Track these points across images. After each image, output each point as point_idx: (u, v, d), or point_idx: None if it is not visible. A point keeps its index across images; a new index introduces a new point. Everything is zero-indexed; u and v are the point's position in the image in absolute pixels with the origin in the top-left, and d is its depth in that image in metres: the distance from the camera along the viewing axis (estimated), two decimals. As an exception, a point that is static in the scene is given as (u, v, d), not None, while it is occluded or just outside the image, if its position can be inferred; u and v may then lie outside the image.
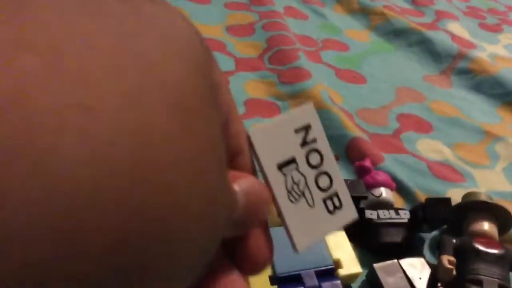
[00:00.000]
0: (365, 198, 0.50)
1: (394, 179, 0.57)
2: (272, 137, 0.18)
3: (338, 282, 0.45)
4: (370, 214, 0.52)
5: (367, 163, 0.56)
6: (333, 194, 0.19)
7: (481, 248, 0.48)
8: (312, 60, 0.83)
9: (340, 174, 0.20)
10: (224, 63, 0.79)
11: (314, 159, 0.19)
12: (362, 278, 0.49)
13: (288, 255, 0.45)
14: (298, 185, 0.18)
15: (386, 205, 0.53)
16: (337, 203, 0.19)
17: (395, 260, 0.48)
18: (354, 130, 0.64)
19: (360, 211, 0.51)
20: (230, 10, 0.98)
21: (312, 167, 0.19)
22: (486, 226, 0.51)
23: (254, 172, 0.18)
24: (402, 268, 0.47)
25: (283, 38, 0.86)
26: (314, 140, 0.19)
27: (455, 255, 0.48)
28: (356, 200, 0.49)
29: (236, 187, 0.15)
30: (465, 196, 0.54)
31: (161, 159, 0.10)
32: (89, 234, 0.09)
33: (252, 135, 0.17)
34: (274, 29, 0.89)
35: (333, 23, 1.01)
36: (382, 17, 1.03)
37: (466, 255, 0.48)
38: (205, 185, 0.12)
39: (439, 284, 0.46)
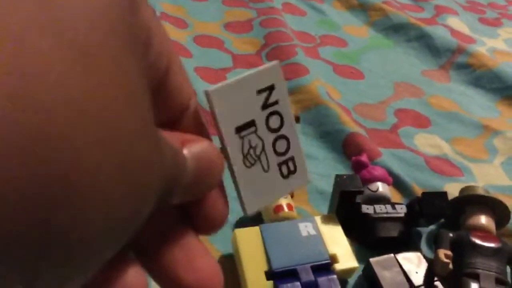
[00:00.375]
0: (361, 192, 0.50)
1: (391, 174, 0.57)
2: (232, 97, 0.17)
3: (334, 277, 0.45)
4: (367, 209, 0.52)
5: (364, 158, 0.56)
6: (289, 159, 0.19)
7: (478, 242, 0.48)
8: (310, 56, 0.83)
9: (298, 138, 0.19)
10: (222, 60, 0.79)
11: (274, 122, 0.18)
12: (358, 273, 0.48)
13: (284, 250, 0.46)
14: (255, 150, 0.18)
15: (382, 199, 0.53)
16: (291, 168, 0.19)
17: (392, 255, 0.48)
18: (351, 125, 0.64)
19: (357, 206, 0.51)
20: (228, 7, 0.98)
21: (271, 130, 0.18)
22: (483, 220, 0.51)
23: (204, 131, 0.17)
24: (398, 262, 0.47)
25: (281, 34, 0.85)
26: (276, 102, 0.18)
27: (452, 249, 0.48)
28: (353, 195, 0.49)
29: (186, 151, 0.15)
30: (463, 190, 0.54)
31: (46, 102, 0.09)
32: None
33: (211, 95, 0.16)
34: (272, 26, 0.89)
35: (331, 19, 1.01)
36: (381, 13, 1.02)
37: (463, 249, 0.48)
38: (116, 137, 0.10)
39: (435, 278, 0.46)
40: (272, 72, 0.18)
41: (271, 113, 0.18)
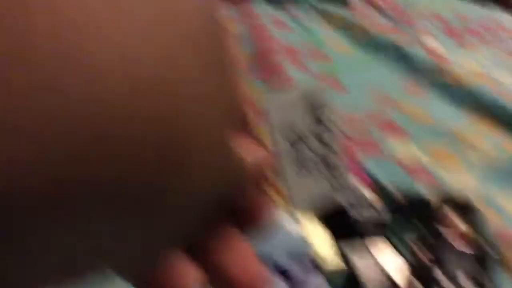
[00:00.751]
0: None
1: (373, 179, 0.61)
2: (287, 113, 0.18)
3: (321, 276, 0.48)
4: (352, 213, 0.54)
5: (346, 159, 0.59)
6: (338, 175, 0.20)
7: (455, 244, 0.51)
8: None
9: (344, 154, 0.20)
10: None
11: (326, 137, 0.19)
12: (340, 268, 0.51)
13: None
14: (306, 161, 0.18)
15: (367, 204, 0.56)
16: (340, 183, 0.20)
17: (361, 239, 0.50)
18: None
19: (342, 210, 0.54)
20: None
21: (323, 145, 0.19)
22: (459, 224, 0.54)
23: (257, 140, 0.17)
24: (377, 259, 0.50)
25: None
26: (327, 119, 0.19)
27: (429, 250, 0.51)
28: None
29: (248, 157, 0.15)
30: (440, 196, 0.58)
31: (181, 91, 0.10)
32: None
33: (269, 111, 0.17)
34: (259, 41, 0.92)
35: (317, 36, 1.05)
36: (365, 33, 1.07)
37: (440, 252, 0.51)
38: (217, 130, 0.12)
39: (414, 279, 0.49)
40: (322, 93, 0.19)
41: (323, 129, 0.19)
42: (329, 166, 0.19)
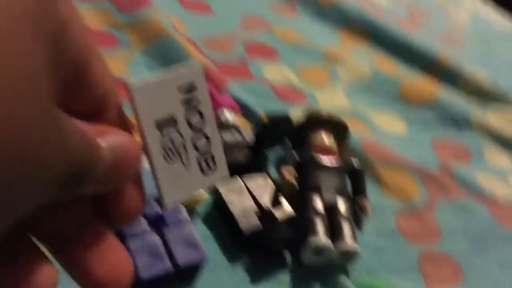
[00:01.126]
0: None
1: (240, 104, 0.57)
2: (154, 94, 0.17)
3: (181, 206, 0.44)
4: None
5: (210, 87, 0.54)
6: (209, 155, 0.20)
7: (320, 159, 0.50)
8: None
9: (218, 137, 0.20)
10: None
11: (195, 119, 0.19)
12: (207, 200, 0.48)
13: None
14: (174, 145, 0.18)
15: (230, 127, 0.52)
16: (211, 164, 0.20)
17: (238, 178, 0.47)
18: (198, 58, 0.62)
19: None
20: None
21: (192, 127, 0.19)
22: (325, 139, 0.53)
23: (126, 125, 0.18)
24: (246, 186, 0.47)
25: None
26: (197, 101, 0.19)
27: (296, 169, 0.49)
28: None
29: (102, 141, 0.15)
30: (306, 113, 0.56)
31: None
32: None
33: (133, 91, 0.17)
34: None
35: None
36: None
37: (306, 167, 0.50)
38: (7, 115, 0.11)
39: (281, 197, 0.47)
40: (194, 74, 0.19)
41: (192, 111, 0.19)
42: (198, 149, 0.19)
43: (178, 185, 0.19)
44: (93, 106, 0.17)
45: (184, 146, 0.19)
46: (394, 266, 0.46)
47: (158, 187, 0.18)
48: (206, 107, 0.19)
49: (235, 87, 0.60)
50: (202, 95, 0.19)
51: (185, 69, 0.18)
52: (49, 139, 0.12)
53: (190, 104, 0.19)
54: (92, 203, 0.17)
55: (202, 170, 0.20)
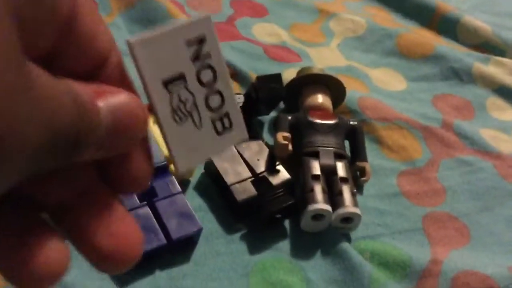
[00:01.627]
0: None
1: (229, 65, 0.53)
2: (158, 49, 0.16)
3: (172, 178, 0.42)
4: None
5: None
6: (224, 115, 0.18)
7: (316, 120, 0.47)
8: None
9: (234, 93, 0.18)
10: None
11: (206, 76, 0.17)
12: (200, 170, 0.45)
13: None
14: (185, 104, 0.17)
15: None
16: (227, 124, 0.18)
17: (231, 146, 0.45)
18: (182, 18, 0.58)
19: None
20: None
21: (203, 84, 0.17)
22: (320, 98, 0.50)
23: (128, 85, 0.16)
24: (239, 152, 0.45)
25: None
26: (207, 55, 0.17)
27: (291, 131, 0.46)
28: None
29: (101, 102, 0.14)
30: (299, 72, 0.53)
31: None
32: None
33: (134, 46, 0.15)
34: None
35: None
36: None
37: (301, 130, 0.47)
38: None
39: (277, 162, 0.45)
40: (203, 24, 0.17)
41: (203, 67, 0.17)
42: (211, 108, 0.18)
43: (192, 147, 0.18)
44: (90, 65, 0.15)
45: (196, 105, 0.17)
46: (398, 230, 0.45)
47: (169, 150, 0.17)
48: (218, 61, 0.17)
49: (223, 48, 0.56)
50: (213, 48, 0.17)
51: (192, 20, 0.16)
52: (19, 102, 0.11)
53: (200, 59, 0.17)
54: (98, 170, 0.16)
55: (216, 130, 0.18)
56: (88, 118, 0.13)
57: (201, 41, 0.17)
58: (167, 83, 0.16)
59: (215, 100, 0.18)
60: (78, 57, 0.15)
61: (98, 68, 0.15)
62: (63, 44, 0.14)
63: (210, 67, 0.17)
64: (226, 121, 0.18)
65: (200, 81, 0.17)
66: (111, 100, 0.14)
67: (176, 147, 0.17)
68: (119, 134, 0.14)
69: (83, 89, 0.13)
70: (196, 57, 0.17)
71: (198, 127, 0.18)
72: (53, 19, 0.13)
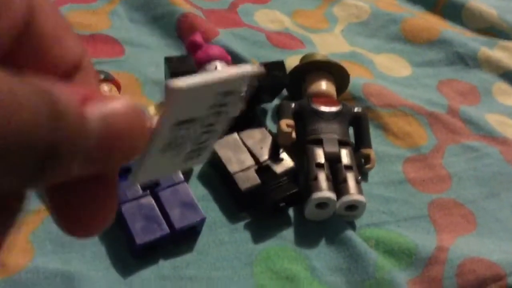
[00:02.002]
0: (193, 73, 0.45)
1: (230, 52, 0.53)
2: (192, 96, 0.15)
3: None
4: (205, 91, 0.47)
5: (198, 37, 0.50)
6: (203, 148, 0.18)
7: (319, 107, 0.47)
8: None
9: (223, 129, 0.18)
10: None
11: (214, 119, 0.17)
12: (203, 159, 0.45)
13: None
14: (180, 142, 0.17)
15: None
16: (201, 153, 0.18)
17: (234, 134, 0.44)
18: (184, 6, 0.57)
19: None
20: None
21: (207, 125, 0.17)
22: (323, 85, 0.49)
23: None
24: (242, 140, 0.44)
25: None
26: (228, 105, 0.16)
27: (295, 119, 0.46)
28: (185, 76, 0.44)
29: (90, 108, 0.12)
30: (303, 58, 0.52)
31: None
32: None
33: (173, 92, 0.14)
34: None
35: None
36: None
37: (305, 117, 0.46)
38: None
39: (281, 150, 0.44)
40: (243, 79, 0.16)
41: (217, 113, 0.17)
42: (197, 142, 0.18)
43: (157, 168, 0.17)
44: (56, 71, 0.14)
45: (188, 142, 0.17)
46: (403, 217, 0.44)
47: (137, 167, 0.17)
48: (234, 110, 0.17)
49: (225, 35, 0.56)
50: (237, 100, 0.17)
51: (238, 74, 0.16)
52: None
53: (220, 108, 0.16)
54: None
55: (189, 157, 0.18)
56: (70, 125, 0.11)
57: (231, 94, 0.16)
58: (179, 124, 0.16)
59: (207, 137, 0.18)
60: (40, 61, 0.14)
61: (67, 77, 0.14)
62: (22, 47, 0.13)
63: (224, 114, 0.17)
64: (202, 151, 0.18)
65: (207, 124, 0.17)
66: (103, 106, 0.12)
67: (146, 168, 0.17)
68: (113, 146, 0.13)
69: (66, 91, 0.12)
70: (218, 106, 0.16)
71: (177, 156, 0.17)
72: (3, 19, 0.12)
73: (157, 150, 0.16)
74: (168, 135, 0.16)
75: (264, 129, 0.46)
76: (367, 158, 0.47)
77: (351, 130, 0.48)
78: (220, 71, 0.15)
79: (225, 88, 0.16)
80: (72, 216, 0.14)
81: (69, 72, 0.14)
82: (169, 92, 0.14)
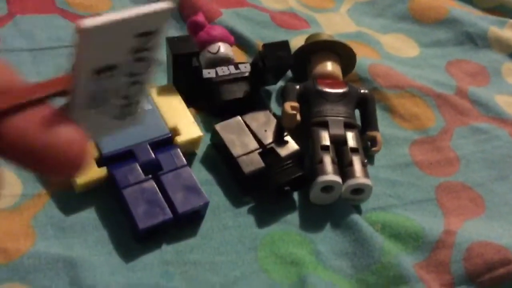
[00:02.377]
0: (196, 54, 0.44)
1: (234, 33, 0.52)
2: (105, 37, 0.14)
3: (177, 150, 0.41)
4: (208, 73, 0.46)
5: (200, 17, 0.49)
6: (134, 103, 0.18)
7: (325, 89, 0.46)
8: None
9: (150, 80, 0.17)
10: None
11: (139, 67, 0.16)
12: (206, 143, 0.44)
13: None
14: (105, 93, 0.16)
15: (225, 61, 0.47)
16: (133, 110, 0.18)
17: (238, 117, 0.43)
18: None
19: (196, 71, 0.45)
20: None
21: (132, 75, 0.16)
22: (329, 66, 0.48)
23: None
24: (246, 123, 0.43)
25: None
26: (149, 49, 0.16)
27: (299, 101, 0.45)
28: (187, 57, 0.43)
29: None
30: (308, 38, 0.51)
31: None
32: None
33: (83, 32, 0.13)
34: None
35: None
36: None
37: (310, 99, 0.45)
38: None
39: (285, 133, 0.43)
40: (160, 16, 0.15)
41: (139, 59, 0.16)
42: (126, 96, 0.17)
43: (93, 126, 0.17)
44: None
45: (115, 93, 0.16)
46: (410, 200, 0.43)
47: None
48: (155, 53, 0.16)
49: (228, 16, 0.55)
50: (158, 41, 0.16)
51: (151, 10, 0.15)
52: None
53: (140, 51, 0.16)
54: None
55: (121, 115, 0.18)
56: None
57: (150, 33, 0.15)
58: (98, 72, 0.15)
59: (134, 90, 0.17)
60: None
61: None
62: None
63: (146, 59, 0.16)
64: (133, 107, 0.18)
65: (130, 72, 0.16)
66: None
67: (80, 124, 0.16)
68: (16, 146, 0.13)
69: None
70: (137, 50, 0.15)
71: (106, 113, 0.17)
72: None
73: (80, 107, 0.15)
74: (88, 84, 0.15)
75: (268, 111, 0.45)
76: (374, 141, 0.46)
77: (357, 112, 0.47)
78: (132, 9, 0.14)
79: (141, 29, 0.15)
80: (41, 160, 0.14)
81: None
82: (79, 33, 0.13)
